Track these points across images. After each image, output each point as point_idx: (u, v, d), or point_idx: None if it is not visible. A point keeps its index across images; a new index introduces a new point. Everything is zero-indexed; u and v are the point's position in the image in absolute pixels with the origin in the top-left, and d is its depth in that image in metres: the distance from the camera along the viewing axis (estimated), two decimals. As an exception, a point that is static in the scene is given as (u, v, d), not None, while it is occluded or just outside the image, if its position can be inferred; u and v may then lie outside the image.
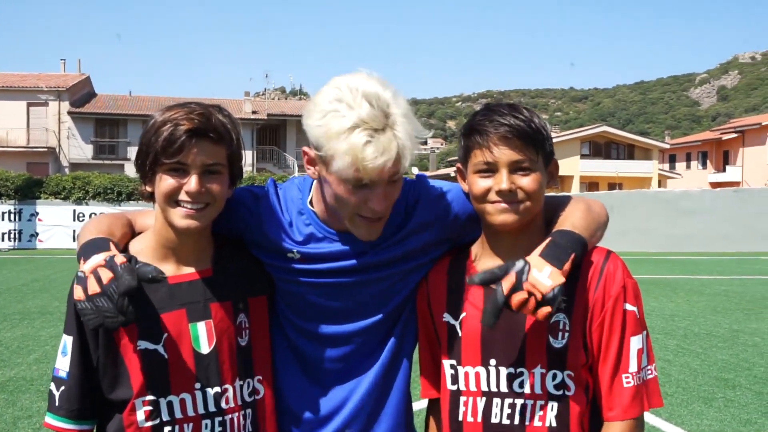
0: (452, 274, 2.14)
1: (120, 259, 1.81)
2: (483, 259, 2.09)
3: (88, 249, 1.90)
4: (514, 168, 1.93)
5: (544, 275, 1.80)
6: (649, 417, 6.70)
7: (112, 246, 1.91)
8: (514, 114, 1.93)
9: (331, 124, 1.87)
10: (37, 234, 30.03)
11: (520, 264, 1.83)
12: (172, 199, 1.95)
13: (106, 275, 1.77)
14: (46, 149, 50.79)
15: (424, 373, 2.23)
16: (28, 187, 31.07)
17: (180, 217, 1.96)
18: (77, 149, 51.22)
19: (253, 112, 53.05)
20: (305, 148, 2.03)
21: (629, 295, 1.98)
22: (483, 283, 1.85)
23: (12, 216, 30.08)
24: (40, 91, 50.69)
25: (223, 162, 1.99)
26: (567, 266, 1.85)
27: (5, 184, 30.53)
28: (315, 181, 2.15)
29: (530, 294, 1.78)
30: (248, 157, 51.90)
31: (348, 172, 1.87)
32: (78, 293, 1.79)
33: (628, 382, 1.94)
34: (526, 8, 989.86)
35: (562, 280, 1.82)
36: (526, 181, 1.93)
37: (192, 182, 1.92)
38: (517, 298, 1.78)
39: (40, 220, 30.10)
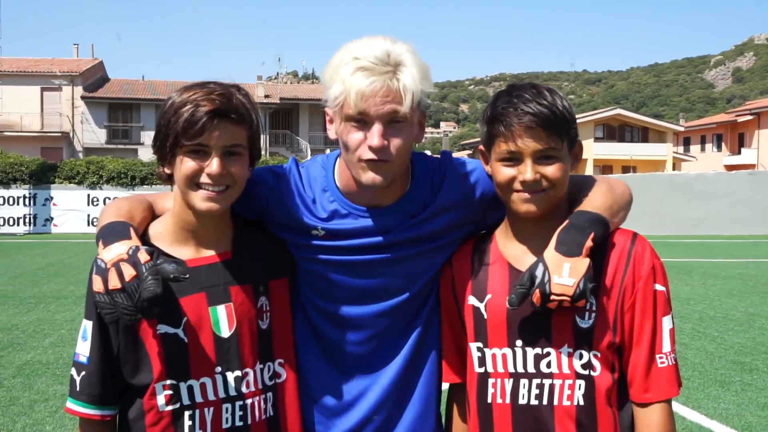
0: (476, 257, 2.12)
1: (144, 256, 1.77)
2: (507, 243, 2.09)
3: (108, 233, 1.88)
4: (539, 156, 1.90)
5: (564, 276, 1.83)
6: (665, 400, 6.65)
7: (132, 233, 1.89)
8: (538, 100, 1.89)
9: (335, 63, 1.93)
10: (52, 218, 30.23)
11: (540, 272, 1.86)
12: (192, 181, 1.92)
13: (128, 272, 1.74)
14: (60, 134, 50.97)
15: (447, 358, 2.21)
16: (43, 172, 31.25)
17: (201, 199, 1.92)
18: (91, 134, 51.40)
19: (266, 96, 53.01)
20: (326, 108, 2.04)
21: (658, 275, 1.98)
22: (521, 301, 1.88)
23: (27, 200, 30.28)
24: (53, 76, 50.84)
25: (244, 143, 1.96)
26: (587, 245, 1.87)
27: (20, 168, 30.73)
28: (338, 157, 2.14)
29: (561, 301, 1.84)
30: (261, 141, 51.85)
31: (341, 101, 1.91)
32: (97, 285, 1.76)
33: (662, 362, 1.94)
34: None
35: (585, 264, 1.84)
36: (551, 170, 1.91)
37: (213, 164, 1.89)
38: (551, 305, 1.86)
39: (54, 204, 30.29)
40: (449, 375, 2.22)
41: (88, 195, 30.52)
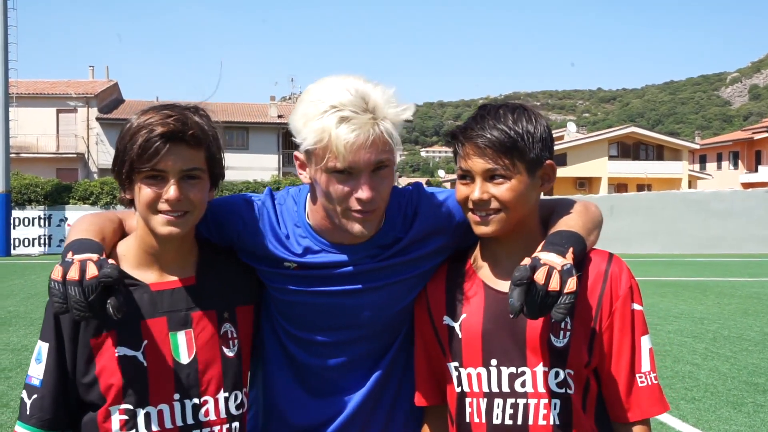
0: (451, 278, 2.12)
1: (112, 271, 1.75)
2: (481, 264, 2.09)
3: (78, 246, 1.86)
4: (489, 176, 1.91)
5: (552, 256, 1.80)
6: (676, 422, 6.59)
7: (104, 255, 1.87)
8: (494, 122, 1.92)
9: (310, 112, 1.87)
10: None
11: (528, 259, 1.81)
12: (152, 208, 1.90)
13: (92, 271, 1.73)
14: (75, 155, 51.45)
15: (419, 382, 2.19)
16: (58, 193, 31.54)
17: (161, 224, 1.91)
18: (105, 155, 51.62)
19: (279, 116, 53.26)
20: (296, 153, 2.00)
21: (636, 295, 1.99)
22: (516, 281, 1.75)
23: (42, 221, 30.54)
24: (69, 97, 51.37)
25: (202, 166, 1.93)
26: (569, 254, 1.84)
27: (35, 189, 31.03)
28: (308, 194, 2.11)
29: (550, 269, 1.75)
30: (274, 161, 52.14)
31: (327, 155, 1.84)
32: (56, 273, 1.75)
33: (642, 382, 1.96)
34: (553, 8, 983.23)
35: (570, 260, 1.81)
36: (500, 190, 1.92)
37: (171, 191, 1.87)
38: (541, 272, 1.74)
39: (69, 225, 30.44)
40: (420, 399, 2.19)
41: (103, 215, 30.72)
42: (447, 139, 2.00)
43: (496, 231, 1.94)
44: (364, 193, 1.87)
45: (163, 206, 1.89)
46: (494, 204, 1.92)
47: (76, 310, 1.72)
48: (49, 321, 1.95)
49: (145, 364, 1.93)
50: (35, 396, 1.95)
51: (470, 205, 1.95)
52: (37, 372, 1.95)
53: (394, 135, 1.87)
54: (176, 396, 1.96)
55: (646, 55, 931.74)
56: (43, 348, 1.96)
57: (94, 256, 1.79)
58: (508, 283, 1.79)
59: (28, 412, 1.95)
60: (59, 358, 1.94)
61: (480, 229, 1.95)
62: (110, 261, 1.82)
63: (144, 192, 1.88)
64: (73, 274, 1.72)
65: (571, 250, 1.85)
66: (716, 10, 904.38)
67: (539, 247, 1.88)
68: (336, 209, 1.93)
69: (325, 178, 1.89)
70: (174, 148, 1.86)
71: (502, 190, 1.90)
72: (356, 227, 1.94)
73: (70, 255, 1.82)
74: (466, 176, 1.95)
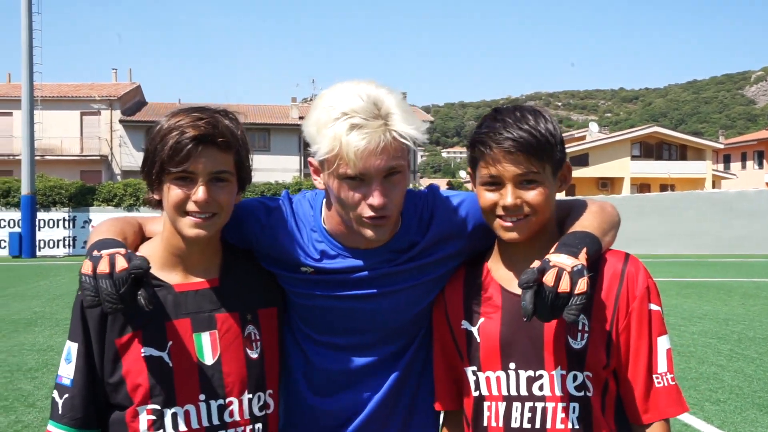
0: (468, 282, 2.11)
1: (142, 262, 1.78)
2: (498, 267, 2.08)
3: (102, 245, 1.88)
4: (519, 181, 1.89)
5: (563, 257, 1.80)
6: (700, 424, 6.53)
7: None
8: (519, 124, 1.88)
9: (322, 119, 1.87)
10: (91, 240, 30.66)
11: (537, 261, 1.82)
12: (180, 209, 1.92)
13: (121, 263, 1.75)
14: (98, 157, 51.91)
15: (438, 385, 2.19)
16: (82, 195, 31.91)
17: (188, 226, 1.93)
18: (129, 157, 52.10)
19: (300, 118, 53.33)
20: (310, 159, 2.01)
21: (653, 295, 1.98)
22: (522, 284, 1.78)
23: (66, 223, 30.90)
24: (92, 100, 51.84)
25: (231, 169, 1.95)
26: (581, 255, 1.83)
27: (60, 191, 31.40)
28: (324, 199, 2.12)
29: (560, 271, 1.75)
30: (295, 163, 52.28)
31: (337, 162, 1.85)
32: (86, 267, 1.77)
33: (659, 383, 1.94)
34: (573, 8, 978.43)
35: (582, 261, 1.80)
36: (532, 195, 1.90)
37: (200, 192, 1.89)
38: (550, 274, 1.75)
39: (93, 227, 30.73)
40: (439, 403, 2.20)
41: (126, 217, 30.98)
42: (472, 145, 1.95)
43: (525, 236, 1.93)
44: (375, 199, 1.87)
45: (191, 207, 1.91)
46: (525, 209, 1.90)
47: (108, 303, 1.74)
48: (77, 321, 1.97)
49: (171, 365, 1.95)
50: (66, 395, 1.97)
51: (499, 212, 1.92)
52: (67, 372, 1.98)
53: (407, 140, 1.87)
54: (201, 397, 1.98)
55: (668, 54, 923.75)
56: (72, 348, 1.98)
57: (122, 250, 1.82)
58: None
59: (60, 411, 1.97)
60: (87, 357, 1.96)
61: (509, 235, 1.93)
62: (138, 253, 1.84)
63: (173, 192, 1.90)
64: (104, 267, 1.75)
65: (584, 250, 1.85)
66: (740, 7, 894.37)
67: (552, 249, 1.88)
68: (349, 216, 1.94)
69: (337, 184, 1.90)
70: (205, 150, 1.88)
71: (534, 194, 1.89)
72: (370, 232, 1.95)
73: (96, 252, 1.84)
74: (494, 182, 1.91)
